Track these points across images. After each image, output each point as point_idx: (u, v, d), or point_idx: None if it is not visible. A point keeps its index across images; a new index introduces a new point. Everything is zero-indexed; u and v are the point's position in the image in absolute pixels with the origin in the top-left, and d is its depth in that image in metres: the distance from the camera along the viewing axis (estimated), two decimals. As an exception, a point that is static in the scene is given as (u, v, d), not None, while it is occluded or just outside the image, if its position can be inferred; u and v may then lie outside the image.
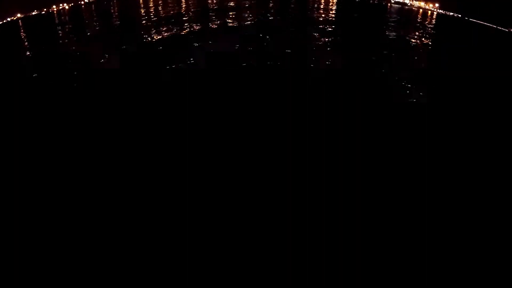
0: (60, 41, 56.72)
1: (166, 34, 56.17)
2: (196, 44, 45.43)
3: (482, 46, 59.44)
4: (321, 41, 44.55)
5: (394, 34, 53.97)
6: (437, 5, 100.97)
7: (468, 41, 61.10)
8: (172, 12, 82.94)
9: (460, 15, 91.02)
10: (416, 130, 22.98)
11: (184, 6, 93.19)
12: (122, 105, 25.21)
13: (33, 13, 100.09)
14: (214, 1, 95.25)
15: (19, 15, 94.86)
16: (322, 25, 56.02)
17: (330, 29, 51.71)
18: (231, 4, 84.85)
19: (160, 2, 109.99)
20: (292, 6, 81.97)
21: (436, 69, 36.20)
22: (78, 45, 52.33)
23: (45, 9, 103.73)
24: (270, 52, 38.14)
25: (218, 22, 59.25)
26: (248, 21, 59.77)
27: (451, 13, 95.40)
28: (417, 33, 60.92)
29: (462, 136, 22.35)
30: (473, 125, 23.83)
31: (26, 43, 61.82)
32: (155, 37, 50.53)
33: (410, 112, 25.76)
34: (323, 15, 69.75)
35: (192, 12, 78.25)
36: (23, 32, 75.21)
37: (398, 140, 21.63)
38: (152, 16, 76.87)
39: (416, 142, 21.27)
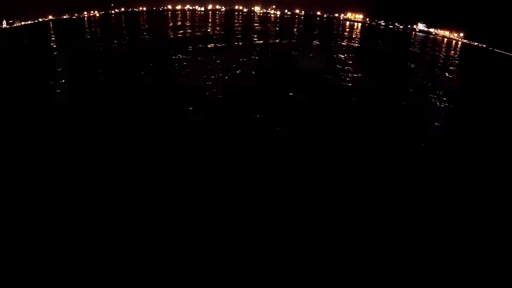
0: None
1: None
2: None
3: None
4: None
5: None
6: (461, 34, 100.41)
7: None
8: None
9: (485, 45, 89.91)
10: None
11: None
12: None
13: (64, 17, 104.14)
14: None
15: (50, 17, 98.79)
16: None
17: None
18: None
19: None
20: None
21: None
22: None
23: (76, 14, 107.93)
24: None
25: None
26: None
27: (475, 43, 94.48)
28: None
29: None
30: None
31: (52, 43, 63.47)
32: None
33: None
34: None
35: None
36: (52, 33, 77.63)
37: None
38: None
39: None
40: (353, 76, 40.10)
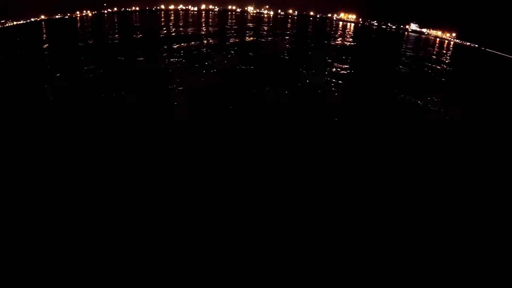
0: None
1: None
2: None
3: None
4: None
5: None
6: (454, 34, 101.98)
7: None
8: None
9: (477, 45, 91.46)
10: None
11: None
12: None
13: (57, 16, 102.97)
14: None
15: (43, 16, 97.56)
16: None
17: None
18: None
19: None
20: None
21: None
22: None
23: (68, 14, 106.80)
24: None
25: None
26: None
27: (467, 43, 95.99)
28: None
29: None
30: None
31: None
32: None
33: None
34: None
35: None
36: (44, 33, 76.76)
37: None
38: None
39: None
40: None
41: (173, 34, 69.23)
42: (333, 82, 35.09)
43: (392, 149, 21.40)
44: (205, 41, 57.62)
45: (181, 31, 74.09)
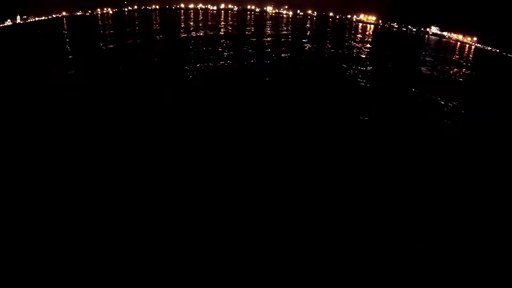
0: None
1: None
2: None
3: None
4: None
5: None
6: (475, 38, 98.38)
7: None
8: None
9: (498, 50, 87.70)
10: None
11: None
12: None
13: (78, 13, 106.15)
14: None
15: (64, 13, 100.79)
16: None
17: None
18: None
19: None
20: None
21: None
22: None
23: (89, 11, 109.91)
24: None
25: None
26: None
27: (489, 48, 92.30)
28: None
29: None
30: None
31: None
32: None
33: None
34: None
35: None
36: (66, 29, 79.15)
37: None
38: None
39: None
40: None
41: (191, 29, 71.20)
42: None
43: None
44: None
45: (200, 26, 76.10)
